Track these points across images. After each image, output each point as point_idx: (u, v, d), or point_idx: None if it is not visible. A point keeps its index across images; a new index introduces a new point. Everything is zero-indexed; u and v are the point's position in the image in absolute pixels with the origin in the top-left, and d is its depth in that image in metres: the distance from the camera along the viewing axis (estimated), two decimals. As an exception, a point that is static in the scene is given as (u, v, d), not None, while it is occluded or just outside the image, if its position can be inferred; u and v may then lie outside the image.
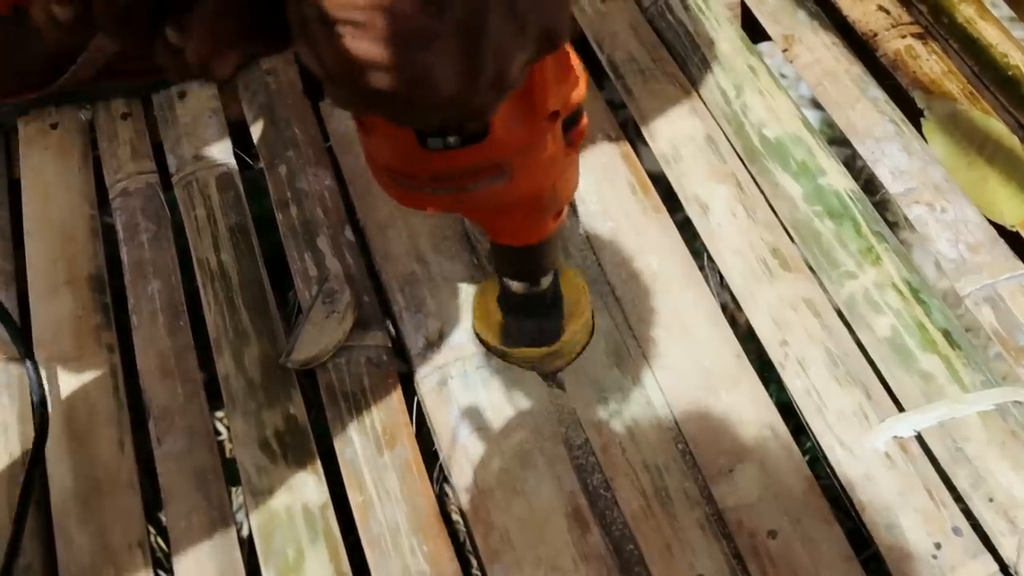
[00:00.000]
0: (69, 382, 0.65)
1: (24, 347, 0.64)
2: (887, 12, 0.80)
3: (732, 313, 0.69)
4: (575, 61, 0.40)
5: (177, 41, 0.29)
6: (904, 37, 0.78)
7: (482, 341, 0.62)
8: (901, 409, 0.59)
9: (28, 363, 0.63)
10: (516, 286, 0.56)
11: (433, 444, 0.62)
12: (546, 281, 0.57)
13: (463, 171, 0.38)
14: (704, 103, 0.76)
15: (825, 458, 0.58)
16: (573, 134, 0.42)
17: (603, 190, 0.71)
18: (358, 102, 0.31)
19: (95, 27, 0.30)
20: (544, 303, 0.59)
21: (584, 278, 0.63)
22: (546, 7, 0.30)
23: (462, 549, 0.62)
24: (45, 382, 0.64)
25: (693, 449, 0.59)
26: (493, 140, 0.37)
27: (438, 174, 0.38)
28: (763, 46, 0.84)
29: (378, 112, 0.32)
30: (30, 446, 0.62)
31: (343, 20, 0.27)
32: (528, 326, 0.60)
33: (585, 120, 0.43)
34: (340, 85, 0.30)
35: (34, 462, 0.59)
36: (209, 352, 0.66)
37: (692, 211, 0.70)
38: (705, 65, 0.77)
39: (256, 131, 0.77)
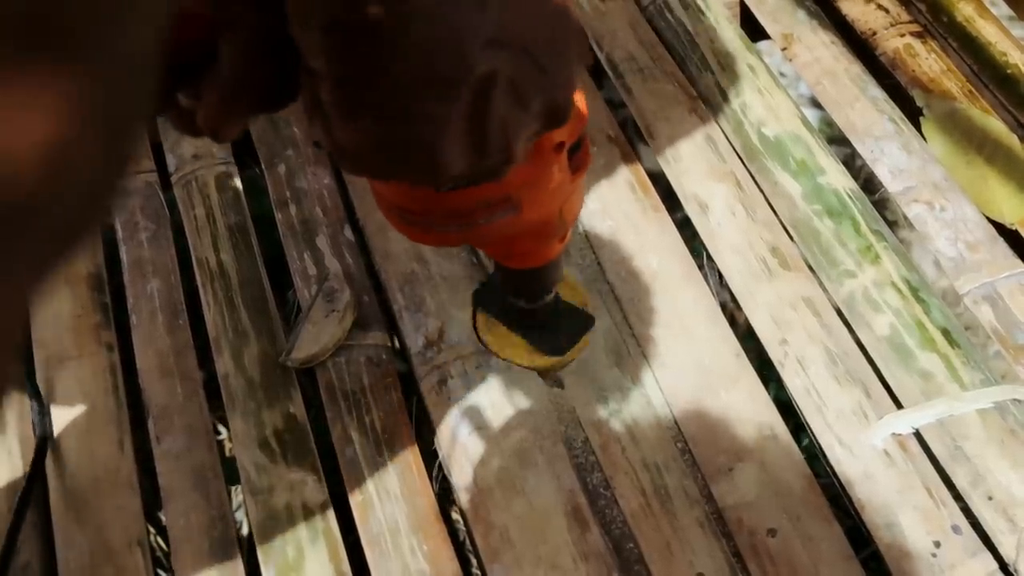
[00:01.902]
0: (69, 381, 0.65)
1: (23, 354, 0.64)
2: (886, 11, 0.80)
3: (731, 312, 0.69)
4: (578, 93, 0.40)
5: (188, 106, 0.30)
6: (903, 36, 0.78)
7: (482, 342, 0.63)
8: (900, 408, 0.59)
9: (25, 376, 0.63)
10: (520, 303, 0.57)
11: (433, 443, 0.62)
12: (549, 297, 0.57)
13: (475, 207, 0.39)
14: (703, 102, 0.76)
15: (824, 456, 0.58)
16: (577, 160, 0.42)
17: (602, 189, 0.71)
18: (366, 174, 0.33)
19: None
20: (546, 317, 0.60)
21: (585, 292, 0.64)
22: (550, 88, 0.31)
23: (462, 548, 0.62)
24: (44, 381, 0.64)
25: (692, 448, 0.59)
26: (503, 177, 0.38)
27: (450, 212, 0.39)
28: (762, 45, 0.84)
29: (389, 180, 0.34)
30: (30, 445, 0.62)
31: (355, 104, 0.28)
32: (531, 339, 0.61)
33: (588, 145, 0.43)
34: (351, 161, 0.31)
35: (34, 465, 0.59)
36: (208, 351, 0.66)
37: (691, 210, 0.70)
38: (704, 64, 0.77)
39: (255, 130, 0.77)
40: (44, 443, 0.60)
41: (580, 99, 0.40)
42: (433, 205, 0.38)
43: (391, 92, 0.28)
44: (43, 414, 0.62)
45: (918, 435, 0.58)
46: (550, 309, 0.59)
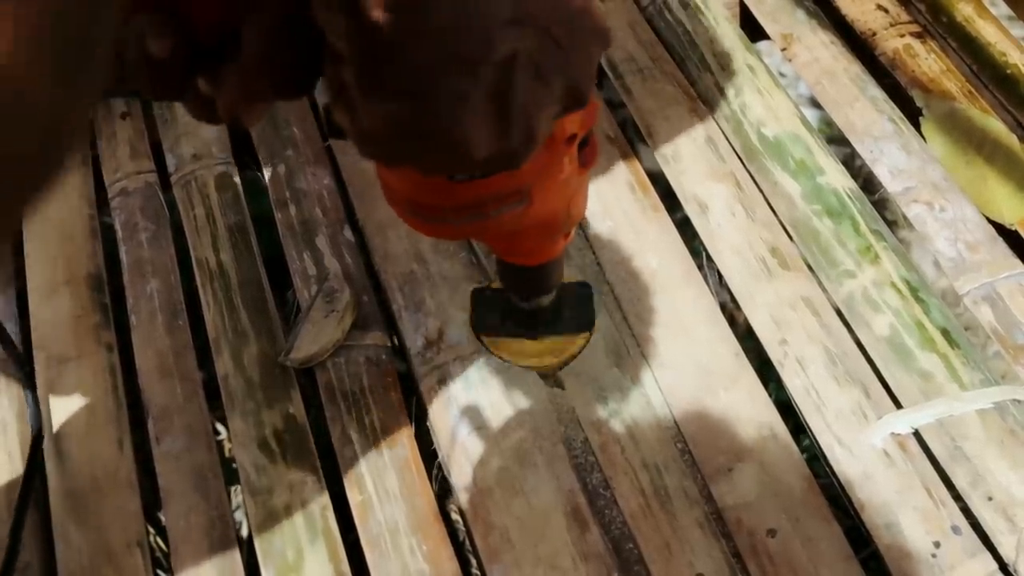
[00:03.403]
0: (68, 381, 0.64)
1: (16, 352, 0.63)
2: (886, 11, 0.80)
3: (731, 312, 0.69)
4: None
5: (209, 93, 0.30)
6: (903, 36, 0.78)
7: (482, 343, 0.62)
8: (900, 408, 0.59)
9: (22, 374, 0.63)
10: (521, 300, 0.57)
11: (432, 443, 0.62)
12: (550, 297, 0.57)
13: (487, 199, 0.39)
14: (703, 102, 0.76)
15: (824, 457, 0.58)
16: (586, 154, 0.42)
17: (602, 189, 0.71)
18: (390, 159, 0.32)
19: (127, 82, 0.30)
20: (548, 315, 0.59)
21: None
22: (570, 68, 0.31)
23: (461, 548, 0.62)
24: (44, 381, 0.64)
25: (692, 448, 0.59)
26: (516, 168, 0.38)
27: (462, 204, 0.39)
28: (762, 45, 0.84)
29: (409, 166, 0.33)
30: (29, 447, 0.62)
31: (379, 87, 0.28)
32: (545, 333, 0.60)
33: (596, 140, 0.43)
34: (374, 145, 0.31)
35: (33, 462, 0.59)
36: (208, 351, 0.66)
37: (691, 210, 0.70)
38: (704, 64, 0.77)
39: (255, 131, 0.77)
40: (39, 440, 0.60)
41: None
42: (444, 197, 0.38)
43: (414, 73, 0.28)
44: (39, 413, 0.61)
45: (918, 435, 0.58)
46: (552, 306, 0.59)
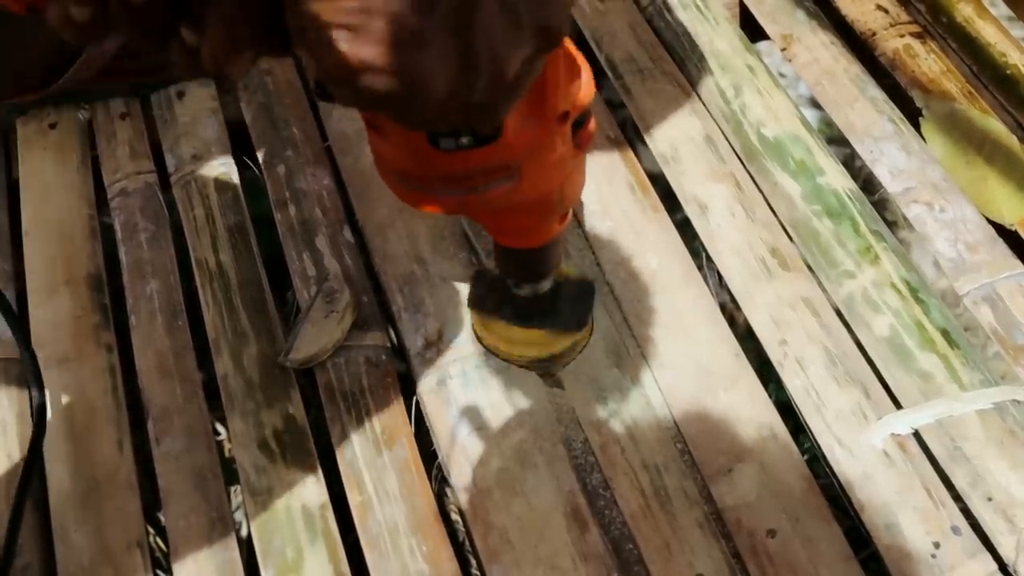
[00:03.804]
0: (68, 382, 0.64)
1: (23, 341, 0.63)
2: (885, 11, 0.80)
3: (731, 312, 0.69)
4: (582, 61, 0.40)
5: (192, 42, 0.30)
6: (903, 36, 0.78)
7: (481, 341, 0.62)
8: (900, 408, 0.59)
9: (26, 356, 0.63)
10: (519, 289, 0.56)
11: (432, 444, 0.62)
12: (548, 283, 0.57)
13: (473, 172, 0.38)
14: (703, 103, 0.76)
15: (824, 457, 0.58)
16: (581, 136, 0.42)
17: (602, 190, 0.71)
18: (359, 102, 0.31)
19: (111, 27, 0.30)
20: (547, 301, 0.59)
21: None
22: (541, 3, 0.30)
23: (461, 549, 0.62)
24: (44, 382, 0.64)
25: (692, 448, 0.59)
26: (504, 141, 0.37)
27: (448, 175, 0.38)
28: (761, 45, 0.84)
29: (381, 112, 0.32)
30: (28, 447, 0.62)
31: (337, 24, 0.28)
32: (543, 325, 0.60)
33: (593, 122, 0.43)
34: (340, 86, 0.30)
35: (32, 460, 0.59)
36: (208, 352, 0.66)
37: (691, 211, 0.70)
38: (704, 64, 0.77)
39: (255, 131, 0.77)
40: (41, 444, 0.60)
41: (587, 74, 0.40)
42: (431, 168, 0.38)
43: (366, 10, 0.27)
44: (42, 408, 0.61)
45: (917, 436, 0.58)
46: (551, 295, 0.59)
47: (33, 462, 0.59)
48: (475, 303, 0.60)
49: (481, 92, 0.30)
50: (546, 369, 0.62)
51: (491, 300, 0.60)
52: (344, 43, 0.28)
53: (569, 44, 0.40)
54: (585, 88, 0.40)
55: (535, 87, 0.35)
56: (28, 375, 0.62)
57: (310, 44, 0.28)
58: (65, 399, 0.64)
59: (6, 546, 0.55)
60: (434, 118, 0.32)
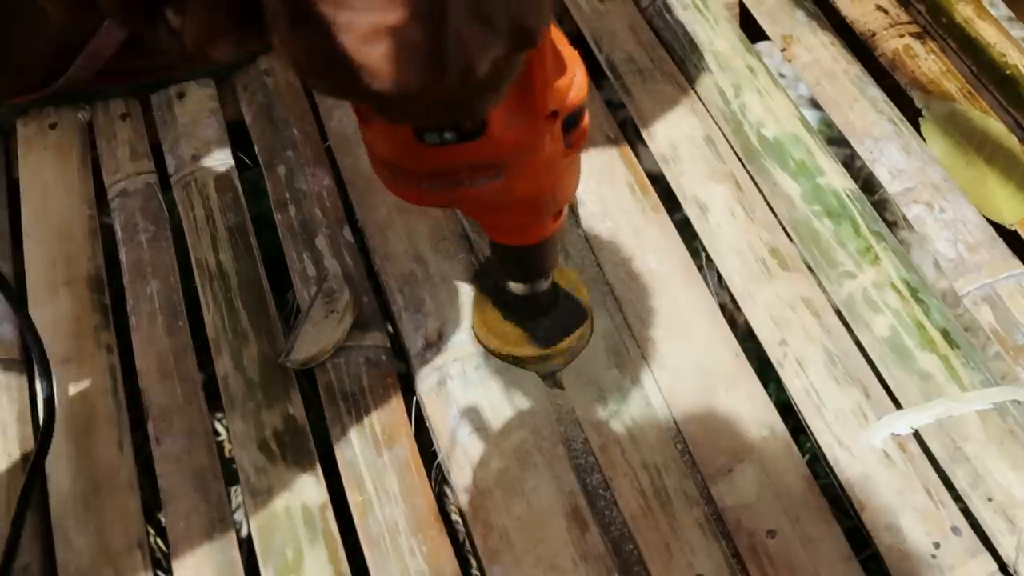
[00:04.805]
0: (68, 382, 0.64)
1: (32, 338, 0.63)
2: (885, 12, 0.80)
3: (731, 313, 0.69)
4: (576, 59, 0.40)
5: (176, 24, 0.30)
6: (902, 36, 0.78)
7: (481, 342, 0.62)
8: (900, 408, 0.59)
9: (35, 356, 0.63)
10: (515, 287, 0.56)
11: (432, 444, 0.62)
12: (545, 283, 0.57)
13: (458, 168, 0.38)
14: (702, 103, 0.76)
15: (824, 457, 0.58)
16: (573, 135, 0.42)
17: (602, 190, 0.71)
18: (334, 93, 0.32)
19: (98, 8, 0.30)
20: (542, 305, 0.59)
21: (586, 284, 0.63)
22: (516, 1, 0.29)
23: (461, 549, 0.62)
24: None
25: (692, 449, 0.59)
26: (489, 138, 0.37)
27: (433, 169, 0.39)
28: (761, 46, 0.84)
29: (356, 103, 0.32)
30: (29, 447, 0.62)
31: (306, 15, 0.27)
32: (526, 327, 0.60)
33: (586, 121, 0.42)
34: (310, 77, 0.30)
35: (37, 459, 0.59)
36: (208, 352, 0.66)
37: (691, 211, 0.70)
38: (703, 65, 0.77)
39: (255, 131, 0.77)
40: (41, 445, 0.60)
41: (580, 74, 0.40)
42: (418, 162, 0.38)
43: (332, 1, 0.27)
44: (50, 407, 0.61)
45: (918, 436, 0.58)
46: (547, 298, 0.59)
47: (37, 463, 0.59)
48: (480, 281, 0.60)
49: (453, 90, 0.30)
50: (520, 366, 0.62)
51: (496, 287, 0.60)
52: (313, 34, 0.28)
53: (561, 44, 0.40)
54: (577, 87, 0.40)
55: (521, 85, 0.35)
56: (37, 367, 0.62)
57: (280, 34, 0.28)
58: (65, 400, 0.64)
59: (8, 547, 0.55)
60: (411, 113, 0.32)
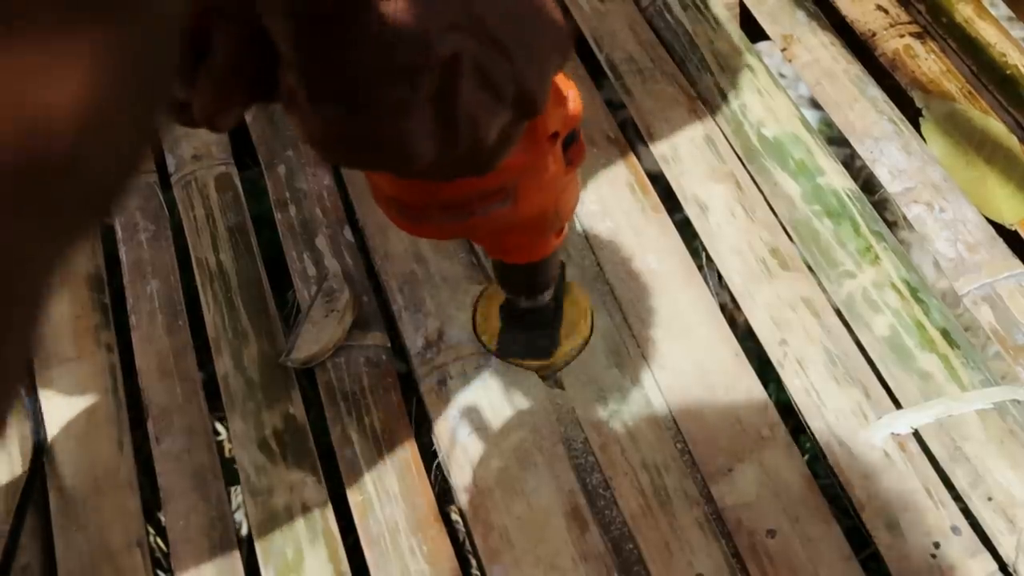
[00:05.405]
0: (68, 382, 0.64)
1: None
2: (885, 12, 0.80)
3: (731, 312, 0.69)
4: (564, 79, 0.41)
5: (184, 97, 0.30)
6: (902, 36, 0.78)
7: (481, 342, 0.63)
8: (900, 408, 0.59)
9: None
10: (517, 299, 0.57)
11: (432, 444, 0.62)
12: (547, 295, 0.57)
13: (470, 198, 0.39)
14: (703, 103, 0.76)
15: (824, 457, 0.58)
16: (572, 152, 0.42)
17: (602, 190, 0.71)
18: (339, 163, 0.33)
19: None
20: (543, 317, 0.60)
21: (589, 299, 0.64)
22: (522, 77, 0.31)
23: (461, 549, 0.62)
24: (44, 382, 0.64)
25: (692, 448, 0.59)
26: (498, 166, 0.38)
27: (446, 203, 0.39)
28: (762, 46, 0.84)
29: (357, 169, 0.33)
30: (29, 447, 0.62)
31: (320, 92, 0.28)
32: (525, 338, 0.61)
33: (583, 138, 0.43)
34: (322, 149, 0.31)
35: (36, 458, 0.59)
36: (208, 352, 0.66)
37: (691, 211, 0.70)
38: (704, 65, 0.77)
39: (255, 131, 0.77)
40: (41, 444, 0.60)
41: (573, 92, 0.40)
42: (428, 197, 0.38)
43: (352, 80, 0.28)
44: (39, 415, 0.61)
45: (917, 436, 0.58)
46: (550, 312, 0.59)
47: (34, 468, 0.59)
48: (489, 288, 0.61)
49: (464, 158, 0.31)
50: (520, 367, 0.62)
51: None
52: (330, 112, 0.29)
53: None
54: (572, 106, 0.40)
55: None
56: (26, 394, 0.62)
57: (299, 109, 0.29)
58: (65, 399, 0.64)
59: (7, 546, 0.55)
60: (423, 175, 0.34)
